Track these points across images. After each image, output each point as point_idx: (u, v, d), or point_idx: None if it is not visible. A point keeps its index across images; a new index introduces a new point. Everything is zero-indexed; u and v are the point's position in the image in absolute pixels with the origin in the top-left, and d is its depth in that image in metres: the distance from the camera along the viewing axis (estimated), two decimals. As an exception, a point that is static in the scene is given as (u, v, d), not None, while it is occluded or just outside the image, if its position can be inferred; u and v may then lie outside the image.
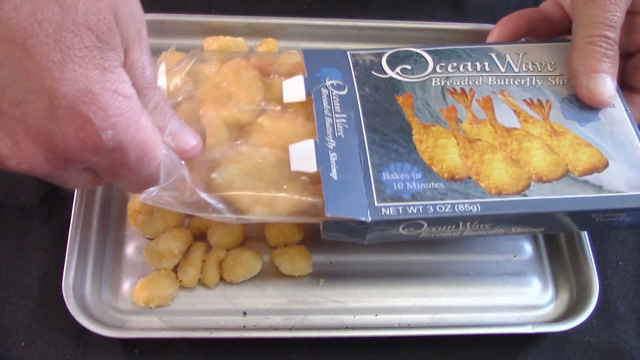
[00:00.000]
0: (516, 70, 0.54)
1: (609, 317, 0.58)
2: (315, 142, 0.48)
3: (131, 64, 0.37)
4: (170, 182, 0.44)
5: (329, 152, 0.47)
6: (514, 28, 0.58)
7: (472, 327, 0.54)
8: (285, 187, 0.47)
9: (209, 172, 0.47)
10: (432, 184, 0.47)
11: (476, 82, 0.53)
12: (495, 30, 0.59)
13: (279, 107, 0.51)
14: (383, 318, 0.54)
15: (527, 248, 0.59)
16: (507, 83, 0.53)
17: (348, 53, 0.54)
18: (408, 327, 0.54)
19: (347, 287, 0.56)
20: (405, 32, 0.70)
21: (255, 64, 0.54)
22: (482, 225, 0.48)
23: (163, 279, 0.52)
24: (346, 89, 0.51)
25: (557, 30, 0.58)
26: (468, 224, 0.48)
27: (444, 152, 0.49)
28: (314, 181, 0.48)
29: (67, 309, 0.50)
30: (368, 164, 0.47)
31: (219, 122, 0.50)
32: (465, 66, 0.54)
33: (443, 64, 0.54)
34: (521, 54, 0.55)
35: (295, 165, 0.47)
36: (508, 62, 0.54)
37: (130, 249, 0.56)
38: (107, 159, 0.37)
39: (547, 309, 0.57)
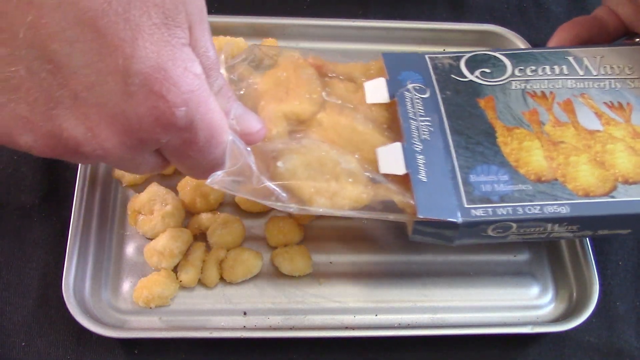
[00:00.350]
0: (595, 73, 0.55)
1: (609, 317, 0.58)
2: (403, 145, 0.49)
3: (195, 43, 0.37)
4: (236, 167, 0.44)
5: (416, 154, 0.49)
6: (573, 36, 0.58)
7: (472, 327, 0.54)
8: (350, 180, 0.48)
9: (273, 161, 0.48)
10: (520, 185, 0.48)
11: (556, 86, 0.54)
12: (554, 38, 0.59)
13: (339, 102, 0.53)
14: (383, 318, 0.54)
15: (527, 248, 0.59)
16: (586, 86, 0.54)
17: (426, 57, 0.56)
18: (408, 327, 0.54)
19: (347, 287, 0.56)
20: (405, 32, 0.70)
21: (312, 63, 0.55)
22: (570, 227, 0.49)
23: (163, 279, 0.52)
24: (428, 92, 0.52)
25: (612, 37, 0.59)
26: (557, 225, 0.48)
27: (529, 154, 0.50)
28: (377, 180, 0.49)
29: (67, 309, 0.50)
30: (455, 166, 0.49)
31: (280, 114, 0.51)
32: (543, 69, 0.55)
33: (521, 67, 0.55)
34: (598, 58, 0.56)
35: (384, 168, 0.49)
36: (586, 65, 0.55)
37: (130, 249, 0.56)
38: (178, 139, 0.37)
39: (547, 309, 0.57)
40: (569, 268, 0.58)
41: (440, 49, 0.71)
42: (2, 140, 0.34)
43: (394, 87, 0.52)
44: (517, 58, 0.55)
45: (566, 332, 0.53)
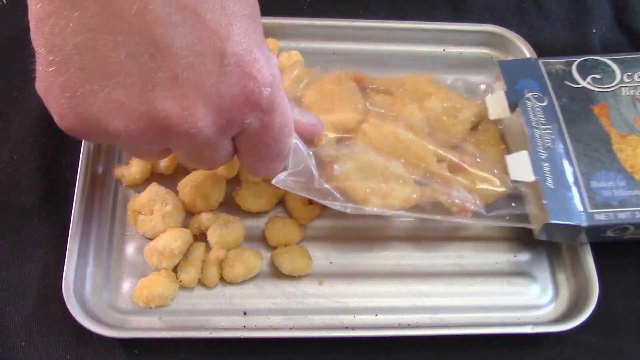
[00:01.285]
0: None
1: (609, 317, 0.58)
2: (529, 153, 0.54)
3: None
4: (298, 169, 0.49)
5: (542, 162, 0.53)
6: None
7: (472, 327, 0.54)
8: (399, 181, 0.53)
9: (329, 164, 0.53)
10: (636, 191, 0.53)
11: None
12: None
13: (382, 111, 0.57)
14: (383, 318, 0.54)
15: (527, 248, 0.59)
16: None
17: (540, 62, 0.59)
18: (408, 327, 0.54)
19: (347, 287, 0.56)
20: (405, 32, 0.70)
21: (352, 76, 0.60)
22: None
23: (163, 279, 0.52)
24: (546, 101, 0.56)
25: None
26: None
27: None
28: (423, 183, 0.54)
29: (67, 309, 0.50)
30: (577, 173, 0.53)
31: (328, 124, 0.55)
32: None
33: (630, 73, 0.57)
34: None
35: (514, 175, 0.54)
36: None
37: (130, 249, 0.56)
38: (258, 121, 0.39)
39: (547, 309, 0.57)
40: (569, 268, 0.58)
41: (440, 49, 0.71)
42: (89, 126, 0.36)
43: (513, 97, 0.57)
44: (625, 63, 0.58)
45: (566, 332, 0.53)
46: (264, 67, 0.37)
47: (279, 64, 0.65)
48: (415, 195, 0.54)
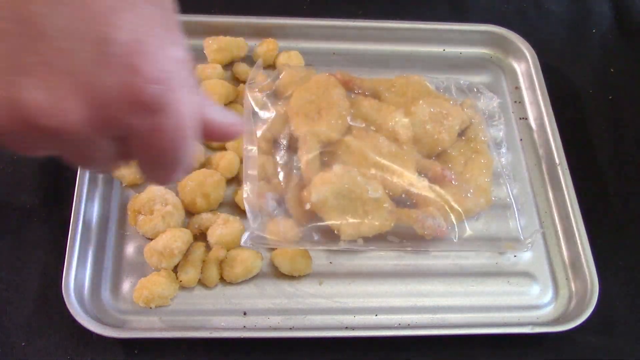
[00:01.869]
0: None
1: (609, 317, 0.58)
2: None
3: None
4: (258, 221, 0.52)
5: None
6: None
7: (472, 327, 0.54)
8: (377, 206, 0.54)
9: (308, 190, 0.54)
10: None
11: None
12: None
13: (363, 125, 0.58)
14: (383, 318, 0.54)
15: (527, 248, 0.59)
16: None
17: None
18: (408, 327, 0.54)
19: (347, 287, 0.56)
20: (405, 32, 0.70)
21: (340, 79, 0.60)
22: None
23: (163, 279, 0.52)
24: None
25: None
26: None
27: None
28: (400, 203, 0.55)
29: (67, 309, 0.50)
30: None
31: (312, 137, 0.56)
32: None
33: None
34: None
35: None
36: None
37: (130, 249, 0.56)
38: (147, 123, 0.34)
39: (547, 309, 0.57)
40: (568, 268, 0.58)
41: (440, 49, 0.71)
42: None
43: None
44: None
45: (566, 332, 0.53)
46: (154, 60, 0.32)
47: (278, 63, 0.65)
48: (390, 222, 0.54)
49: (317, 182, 0.53)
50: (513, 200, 0.60)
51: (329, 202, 0.53)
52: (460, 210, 0.56)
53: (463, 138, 0.61)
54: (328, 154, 0.56)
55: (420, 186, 0.56)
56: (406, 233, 0.55)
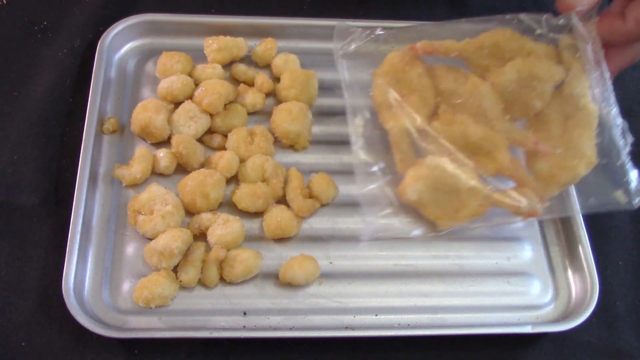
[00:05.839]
0: None
1: (609, 317, 0.58)
2: None
3: None
4: (376, 216, 0.54)
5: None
6: None
7: (472, 327, 0.54)
8: (471, 194, 0.53)
9: (403, 187, 0.54)
10: None
11: None
12: None
13: (449, 109, 0.55)
14: (383, 318, 0.54)
15: (527, 248, 0.59)
16: None
17: None
18: (408, 327, 0.54)
19: (347, 287, 0.56)
20: (405, 32, 0.70)
21: (421, 51, 0.56)
22: None
23: (163, 279, 0.52)
24: None
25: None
26: None
27: None
28: (494, 188, 0.54)
29: (67, 309, 0.50)
30: None
31: (401, 133, 0.55)
32: None
33: None
34: None
35: None
36: None
37: (130, 249, 0.56)
38: None
39: (547, 309, 0.57)
40: (569, 268, 0.58)
41: (440, 49, 0.71)
42: None
43: None
44: None
45: (566, 332, 0.53)
46: None
47: (274, 65, 0.65)
48: (485, 208, 0.54)
49: (410, 178, 0.54)
50: (624, 152, 0.54)
51: (424, 197, 0.53)
52: (559, 182, 0.54)
53: (560, 93, 0.55)
54: (418, 142, 0.55)
55: (513, 167, 0.54)
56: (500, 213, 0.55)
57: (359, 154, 0.56)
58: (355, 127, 0.57)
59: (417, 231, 0.56)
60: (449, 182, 0.53)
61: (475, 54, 0.56)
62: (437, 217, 0.55)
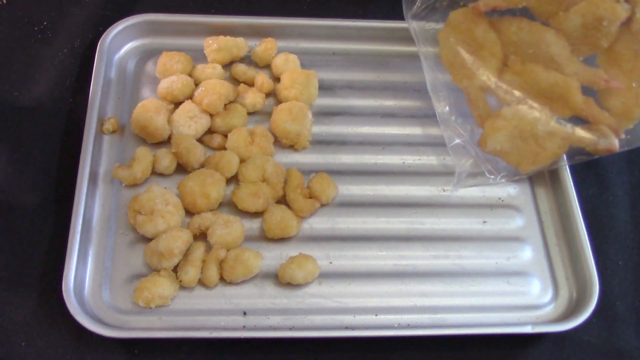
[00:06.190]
0: None
1: (609, 317, 0.58)
2: None
3: None
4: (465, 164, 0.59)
5: None
6: None
7: (472, 327, 0.54)
8: (549, 137, 0.56)
9: (484, 137, 0.58)
10: None
11: None
12: None
13: (518, 58, 0.57)
14: (383, 318, 0.54)
15: (527, 248, 0.59)
16: None
17: None
18: (408, 327, 0.54)
19: (347, 287, 0.56)
20: (406, 32, 0.70)
21: (483, 8, 0.58)
22: None
23: (163, 279, 0.52)
24: None
25: None
26: None
27: None
28: (568, 129, 0.56)
29: (67, 309, 0.50)
30: None
31: (476, 91, 0.58)
32: None
33: None
34: None
35: None
36: None
37: (130, 249, 0.56)
38: None
39: (547, 309, 0.57)
40: (569, 268, 0.58)
41: (441, 49, 0.71)
42: None
43: None
44: None
45: (566, 332, 0.53)
46: None
47: (274, 65, 0.65)
48: (563, 149, 0.57)
49: (489, 130, 0.56)
50: None
51: (504, 147, 0.56)
52: (633, 116, 0.55)
53: (629, 30, 0.56)
54: (493, 95, 0.57)
55: (587, 106, 0.56)
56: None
57: (443, 109, 0.60)
58: (434, 85, 0.61)
59: (502, 177, 0.60)
60: (526, 129, 0.56)
61: (538, 1, 0.57)
62: (519, 163, 0.58)
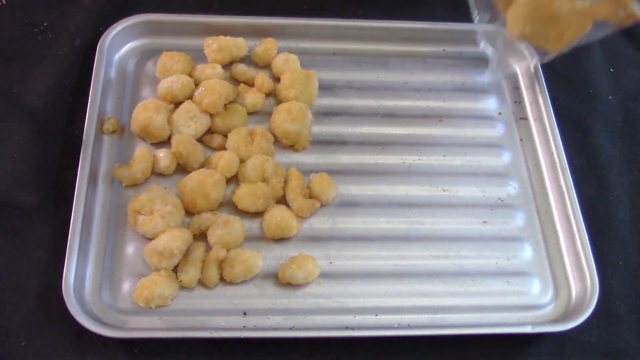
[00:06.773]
0: None
1: (609, 317, 0.58)
2: None
3: None
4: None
5: None
6: None
7: (472, 327, 0.54)
8: (574, 13, 0.56)
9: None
10: None
11: None
12: None
13: None
14: (383, 318, 0.54)
15: (527, 248, 0.59)
16: None
17: None
18: (408, 327, 0.54)
19: (347, 287, 0.56)
20: (405, 32, 0.70)
21: None
22: None
23: (163, 279, 0.52)
24: None
25: None
26: None
27: None
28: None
29: (67, 309, 0.50)
30: None
31: None
32: None
33: None
34: None
35: None
36: None
37: (130, 249, 0.56)
38: None
39: (547, 309, 0.57)
40: (568, 268, 0.58)
41: (440, 49, 0.71)
42: None
43: None
44: None
45: (566, 332, 0.53)
46: None
47: (275, 66, 0.65)
48: (587, 24, 0.56)
49: (511, 17, 0.58)
50: None
51: (529, 31, 0.57)
52: None
53: None
54: None
55: None
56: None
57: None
58: None
59: (535, 59, 0.65)
60: (547, 10, 0.56)
61: None
62: (546, 44, 0.59)
